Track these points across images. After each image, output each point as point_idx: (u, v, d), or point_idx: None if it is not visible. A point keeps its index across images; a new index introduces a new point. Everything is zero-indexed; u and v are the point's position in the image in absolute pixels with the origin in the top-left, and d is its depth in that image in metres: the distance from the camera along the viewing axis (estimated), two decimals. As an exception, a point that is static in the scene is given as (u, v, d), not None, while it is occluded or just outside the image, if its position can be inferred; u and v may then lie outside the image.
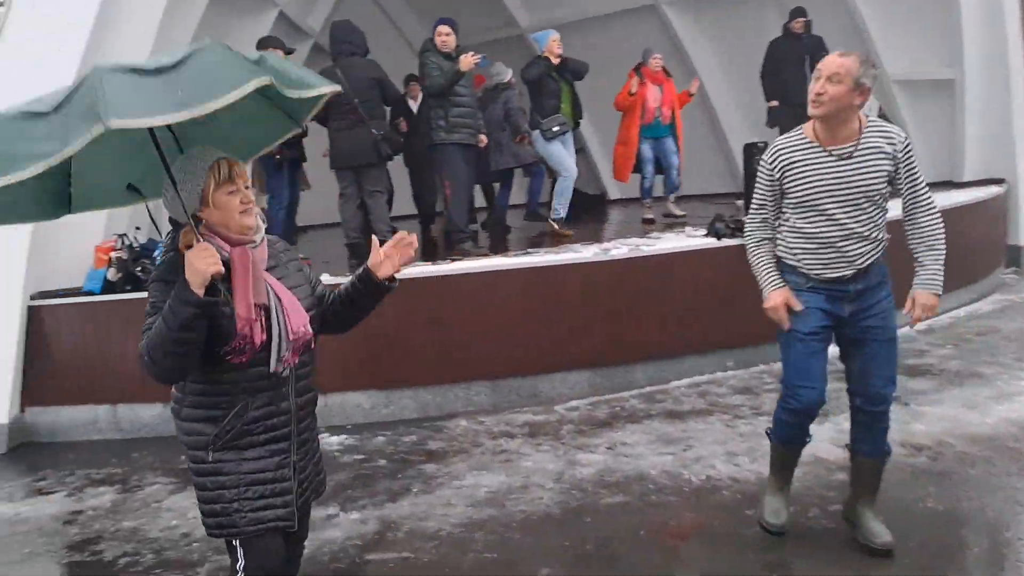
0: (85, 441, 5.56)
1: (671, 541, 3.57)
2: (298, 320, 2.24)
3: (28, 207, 2.26)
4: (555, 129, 7.30)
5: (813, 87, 2.96)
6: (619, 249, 5.99)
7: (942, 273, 3.13)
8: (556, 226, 7.35)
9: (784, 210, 3.16)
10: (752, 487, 3.96)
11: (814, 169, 3.02)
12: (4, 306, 5.48)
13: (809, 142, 3.04)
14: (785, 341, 3.17)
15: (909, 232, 3.15)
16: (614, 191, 11.48)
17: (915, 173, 3.05)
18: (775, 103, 8.28)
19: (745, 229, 3.29)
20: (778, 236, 3.22)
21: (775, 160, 3.10)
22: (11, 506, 4.54)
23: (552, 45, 7.26)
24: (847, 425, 4.57)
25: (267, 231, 7.16)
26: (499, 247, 6.94)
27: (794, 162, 3.05)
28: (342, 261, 6.43)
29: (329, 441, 5.08)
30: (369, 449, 4.95)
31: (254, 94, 1.95)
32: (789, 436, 3.30)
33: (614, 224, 8.91)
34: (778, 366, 5.73)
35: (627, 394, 5.64)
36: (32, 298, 5.61)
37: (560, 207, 7.44)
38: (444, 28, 6.38)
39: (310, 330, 2.29)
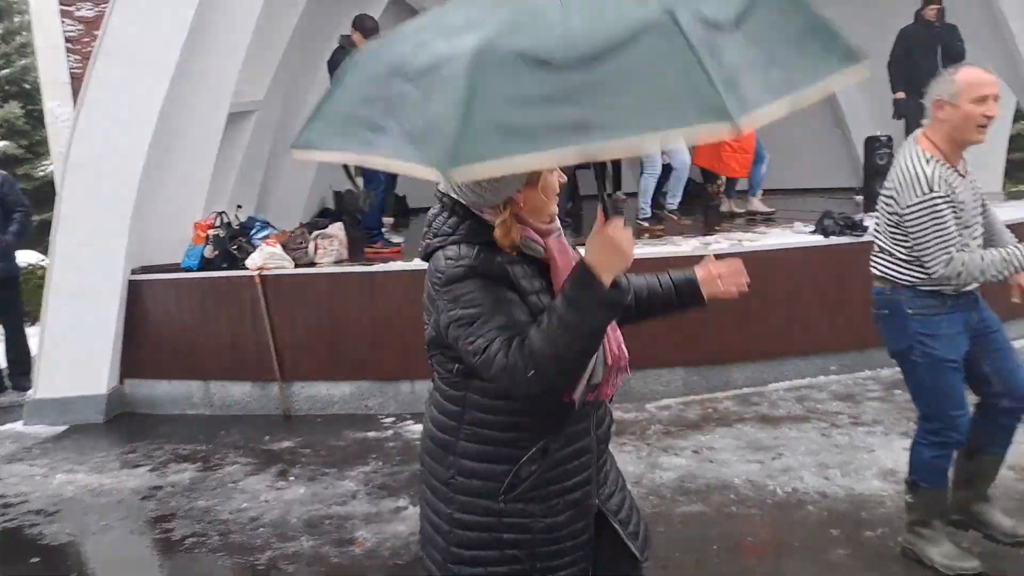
0: (178, 415, 5.79)
1: (744, 559, 3.39)
2: (615, 339, 1.83)
3: None
4: None
5: (989, 111, 2.76)
6: (720, 244, 5.78)
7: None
8: (676, 217, 7.18)
9: None
10: (841, 504, 3.73)
11: (961, 188, 2.85)
12: (106, 280, 5.73)
13: (944, 164, 2.84)
14: (935, 370, 2.93)
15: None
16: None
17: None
18: (902, 94, 7.79)
19: (941, 272, 2.83)
20: (903, 261, 2.94)
21: (944, 185, 2.81)
22: (98, 477, 4.76)
23: None
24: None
25: (364, 216, 7.27)
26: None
27: (952, 184, 2.83)
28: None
29: (412, 429, 5.11)
30: (449, 438, 4.94)
31: None
32: (944, 473, 3.06)
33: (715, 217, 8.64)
34: (886, 372, 5.49)
35: (721, 395, 5.44)
36: (133, 272, 5.86)
37: (673, 200, 7.27)
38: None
39: (626, 352, 1.86)
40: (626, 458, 4.42)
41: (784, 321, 5.59)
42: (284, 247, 5.62)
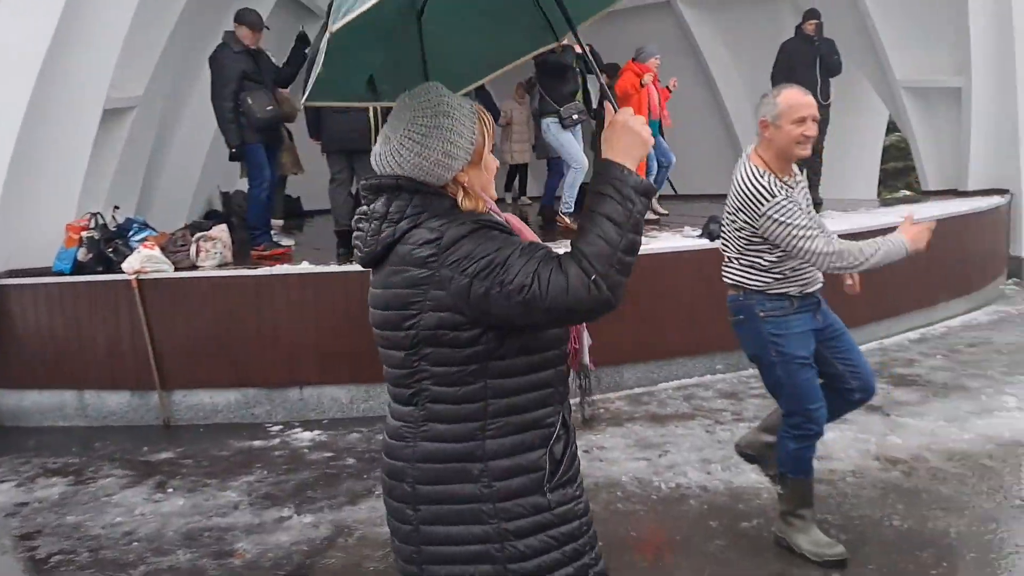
0: (49, 427, 5.48)
1: (628, 555, 3.45)
2: None
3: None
4: (575, 117, 7.08)
5: (808, 131, 2.96)
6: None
7: None
8: (567, 220, 7.23)
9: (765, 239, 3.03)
10: (721, 497, 3.86)
11: (795, 193, 3.05)
12: (-29, 286, 5.39)
13: (775, 177, 3.01)
14: (789, 368, 3.08)
15: None
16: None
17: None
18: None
19: (822, 249, 2.94)
20: (751, 268, 3.10)
21: (782, 189, 2.98)
22: (-41, 495, 4.46)
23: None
24: (828, 435, 4.47)
25: (247, 214, 7.05)
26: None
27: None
28: (332, 250, 6.30)
29: (300, 437, 4.99)
30: (340, 447, 4.85)
31: None
32: (808, 463, 3.22)
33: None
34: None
35: (614, 395, 5.55)
36: (0, 276, 5.53)
37: (570, 200, 7.31)
38: None
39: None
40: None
41: (673, 322, 5.74)
42: (164, 250, 5.39)
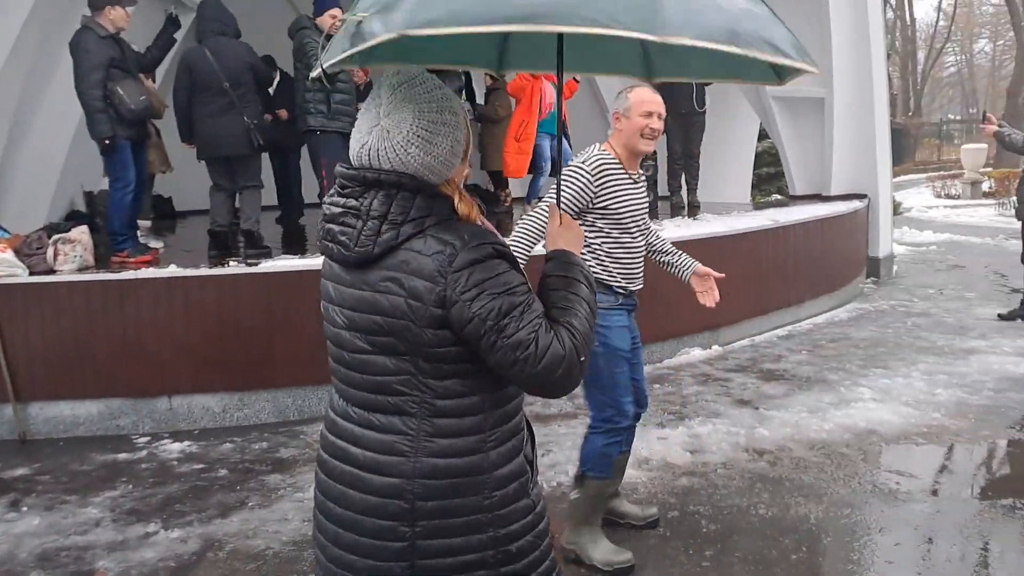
0: None
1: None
2: None
3: None
4: None
5: (653, 124, 3.11)
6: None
7: None
8: None
9: (601, 226, 3.14)
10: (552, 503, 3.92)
11: (626, 189, 3.16)
12: None
13: (619, 164, 3.15)
14: (610, 359, 3.14)
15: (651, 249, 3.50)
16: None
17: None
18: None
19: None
20: (591, 254, 3.18)
21: (597, 172, 3.09)
22: None
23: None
24: (701, 429, 4.69)
25: (110, 216, 6.64)
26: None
27: (613, 177, 3.13)
28: (204, 252, 6.05)
29: (169, 449, 4.76)
30: (212, 458, 4.65)
31: None
32: (612, 463, 3.23)
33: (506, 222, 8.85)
34: (647, 369, 5.85)
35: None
36: None
37: None
38: (337, 11, 6.07)
39: None
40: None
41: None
42: (17, 253, 5.02)
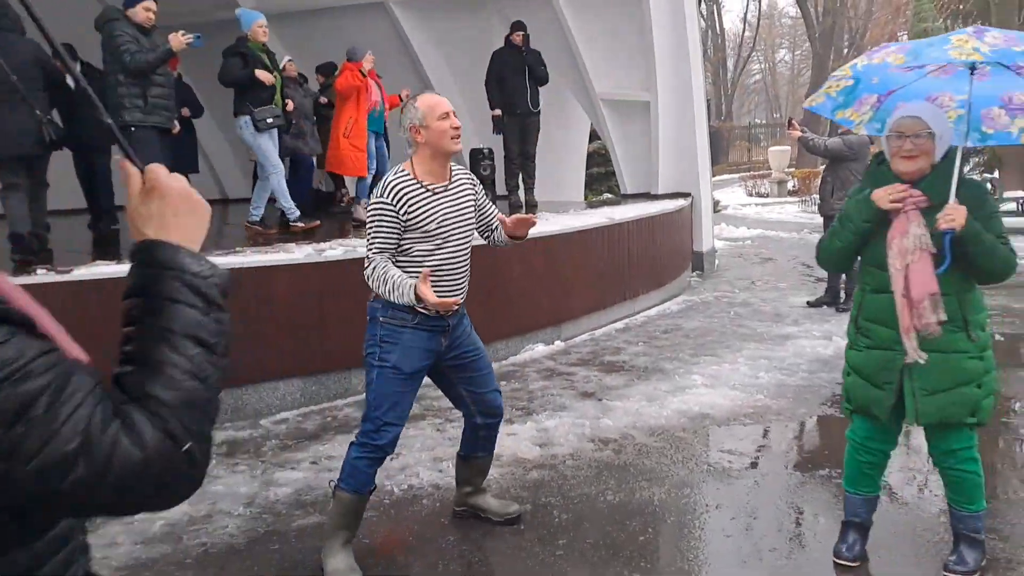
0: None
1: (359, 561, 3.40)
2: None
3: None
4: (269, 120, 6.75)
5: (455, 123, 3.12)
6: (335, 250, 5.75)
7: None
8: (259, 228, 6.93)
9: (418, 249, 3.13)
10: (453, 494, 3.93)
11: (429, 203, 3.12)
12: None
13: (415, 180, 3.13)
14: (384, 376, 3.11)
15: (497, 237, 3.48)
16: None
17: (488, 205, 3.42)
18: (498, 112, 8.51)
19: (368, 265, 3.11)
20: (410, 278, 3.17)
21: (397, 198, 3.09)
22: None
23: (257, 31, 6.81)
24: (548, 423, 4.80)
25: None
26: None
27: (412, 198, 3.10)
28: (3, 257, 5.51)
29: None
30: None
31: None
32: (367, 480, 3.20)
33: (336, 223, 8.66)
34: (494, 365, 5.94)
35: (342, 402, 5.45)
36: None
37: (259, 206, 7.04)
38: (151, 3, 5.74)
39: None
40: (239, 479, 4.21)
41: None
42: None
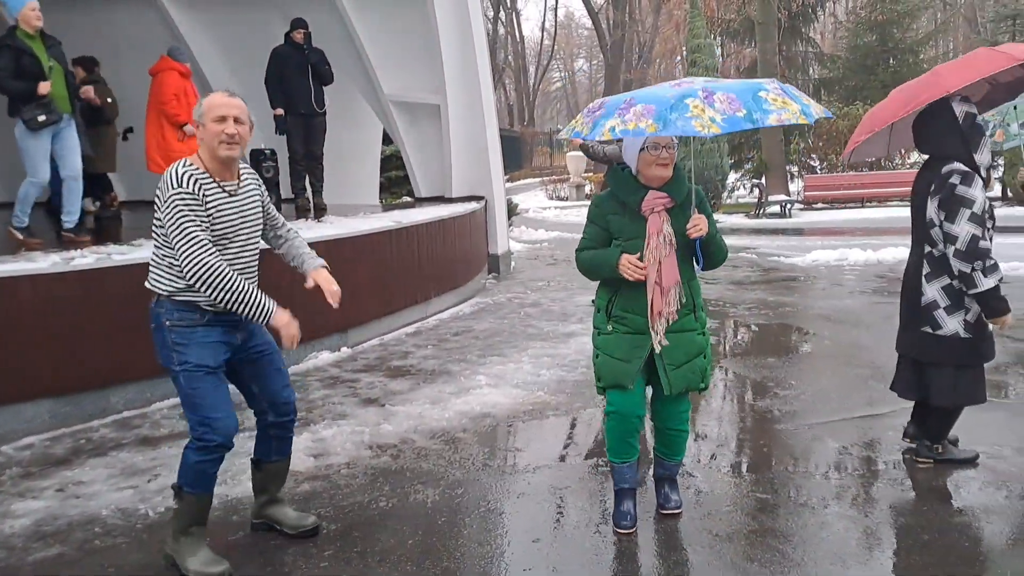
0: None
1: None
2: None
3: None
4: (41, 119, 5.96)
5: (228, 129, 3.00)
6: (86, 258, 5.27)
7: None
8: (19, 236, 6.21)
9: None
10: (214, 512, 3.68)
11: (220, 202, 3.04)
12: None
13: (208, 175, 3.04)
14: (191, 377, 3.01)
15: (286, 251, 3.41)
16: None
17: (271, 206, 3.36)
18: (281, 111, 8.20)
19: (196, 260, 2.90)
20: (161, 269, 3.05)
21: (198, 189, 2.96)
22: None
23: (29, 15, 6.01)
24: (326, 433, 4.66)
25: None
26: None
27: (209, 192, 3.01)
28: None
29: None
30: None
31: None
32: (210, 479, 3.11)
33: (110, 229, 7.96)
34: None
35: (98, 423, 5.01)
36: None
37: (23, 215, 6.30)
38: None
39: None
40: (-34, 514, 3.74)
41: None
42: None
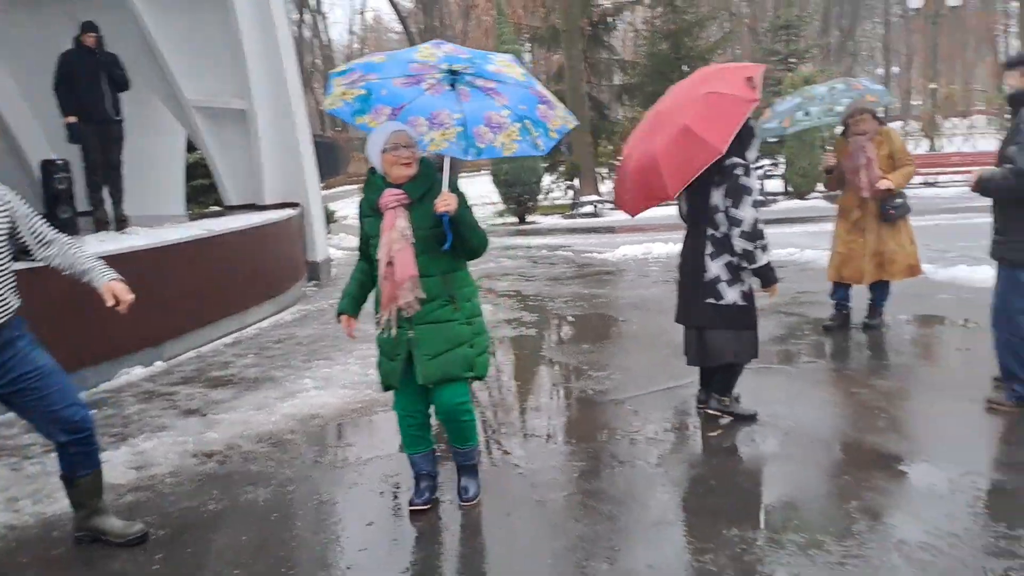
0: None
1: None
2: None
3: None
4: None
5: None
6: None
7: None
8: None
9: None
10: (32, 531, 3.57)
11: None
12: None
13: None
14: None
15: (62, 263, 3.26)
16: None
17: (34, 220, 3.19)
18: (73, 118, 7.71)
19: None
20: None
21: None
22: None
23: None
24: (146, 445, 4.54)
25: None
26: None
27: None
28: None
29: None
30: None
31: None
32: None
33: None
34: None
35: None
36: None
37: None
38: None
39: None
40: None
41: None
42: None
